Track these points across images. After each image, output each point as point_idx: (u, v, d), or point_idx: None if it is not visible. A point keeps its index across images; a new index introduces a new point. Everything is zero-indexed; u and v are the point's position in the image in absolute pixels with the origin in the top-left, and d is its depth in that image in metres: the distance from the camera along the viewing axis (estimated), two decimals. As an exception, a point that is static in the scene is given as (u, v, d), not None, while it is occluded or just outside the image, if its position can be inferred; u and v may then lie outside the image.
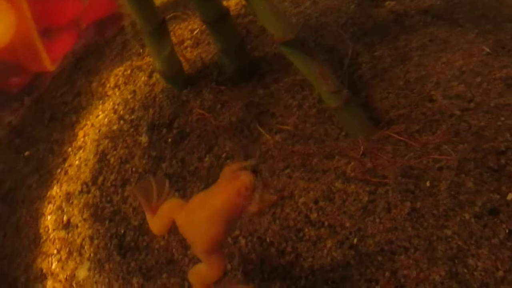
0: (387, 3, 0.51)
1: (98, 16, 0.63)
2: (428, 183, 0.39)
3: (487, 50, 0.45)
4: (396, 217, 0.38)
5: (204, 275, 0.30)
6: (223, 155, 0.44)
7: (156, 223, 0.31)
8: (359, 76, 0.48)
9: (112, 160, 0.41)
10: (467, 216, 0.36)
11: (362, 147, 0.42)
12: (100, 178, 0.40)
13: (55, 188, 0.41)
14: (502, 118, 0.40)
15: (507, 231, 0.35)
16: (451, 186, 0.38)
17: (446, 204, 0.37)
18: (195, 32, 0.52)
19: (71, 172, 0.41)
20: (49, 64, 0.59)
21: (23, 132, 0.46)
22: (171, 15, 0.53)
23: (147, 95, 0.46)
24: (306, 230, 0.39)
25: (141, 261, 0.35)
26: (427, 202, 0.38)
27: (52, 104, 0.48)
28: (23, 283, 0.36)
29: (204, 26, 0.51)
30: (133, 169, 0.41)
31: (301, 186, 0.41)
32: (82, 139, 0.44)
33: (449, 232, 0.36)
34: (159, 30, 0.44)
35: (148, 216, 0.31)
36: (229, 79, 0.48)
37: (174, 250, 0.37)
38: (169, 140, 0.44)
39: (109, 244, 0.36)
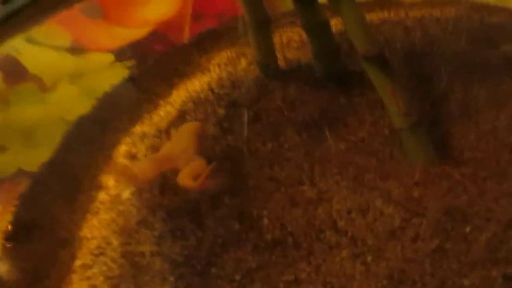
0: (502, 47, 0.47)
1: (237, 12, 0.72)
2: (468, 229, 0.36)
3: None
4: (419, 250, 0.36)
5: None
6: (286, 146, 0.46)
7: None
8: (447, 111, 0.46)
9: (188, 119, 0.47)
10: (494, 274, 0.33)
11: (417, 176, 0.41)
12: (172, 130, 0.46)
13: (137, 126, 0.48)
14: None
15: (532, 302, 0.31)
16: (492, 239, 0.35)
17: (478, 255, 0.34)
18: (302, 37, 0.55)
19: (155, 118, 0.49)
20: (187, 39, 0.69)
21: (137, 81, 0.55)
22: (290, 20, 0.58)
23: (240, 77, 0.51)
24: (328, 233, 0.39)
25: (173, 201, 0.40)
26: (458, 246, 0.35)
27: (167, 67, 0.57)
28: (85, 188, 0.44)
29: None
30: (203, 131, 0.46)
31: (343, 194, 0.41)
32: (174, 97, 0.51)
33: (467, 282, 0.33)
34: (262, 26, 0.49)
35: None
36: (317, 83, 0.51)
37: (204, 205, 0.41)
38: (243, 119, 0.48)
39: (154, 181, 0.42)
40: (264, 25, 0.49)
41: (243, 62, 0.54)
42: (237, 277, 0.37)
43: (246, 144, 0.47)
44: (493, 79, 0.45)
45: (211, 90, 0.51)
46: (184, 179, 0.39)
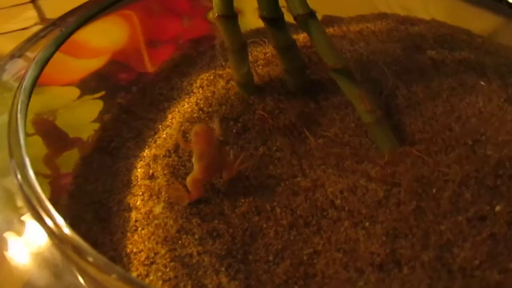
0: (428, 52, 0.61)
1: (194, 35, 0.79)
2: (434, 190, 0.48)
3: (505, 97, 0.54)
4: (403, 211, 0.47)
5: None
6: (274, 148, 0.55)
7: None
8: (395, 104, 0.58)
9: (189, 137, 0.54)
10: (460, 218, 0.45)
11: (386, 157, 0.52)
12: (180, 149, 0.53)
13: (146, 151, 0.54)
14: (505, 150, 0.49)
15: (489, 233, 0.43)
16: (452, 195, 0.47)
17: (446, 207, 0.46)
18: (267, 55, 0.64)
19: (159, 141, 0.54)
20: (149, 67, 0.75)
21: (129, 111, 0.60)
22: (251, 40, 0.67)
23: (223, 95, 0.59)
24: (330, 211, 0.49)
25: (200, 209, 0.47)
26: (430, 204, 0.47)
27: (152, 93, 0.62)
28: (115, 211, 0.48)
29: (274, 51, 0.64)
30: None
31: (332, 179, 0.51)
32: (170, 120, 0.57)
33: (443, 227, 0.45)
34: (240, 50, 0.57)
35: None
36: (288, 93, 0.60)
37: (225, 207, 0.49)
38: (234, 130, 0.56)
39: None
40: (242, 48, 0.57)
41: (221, 82, 0.62)
42: (270, 258, 0.45)
43: (241, 152, 0.55)
44: (426, 77, 0.59)
45: (201, 109, 0.58)
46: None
